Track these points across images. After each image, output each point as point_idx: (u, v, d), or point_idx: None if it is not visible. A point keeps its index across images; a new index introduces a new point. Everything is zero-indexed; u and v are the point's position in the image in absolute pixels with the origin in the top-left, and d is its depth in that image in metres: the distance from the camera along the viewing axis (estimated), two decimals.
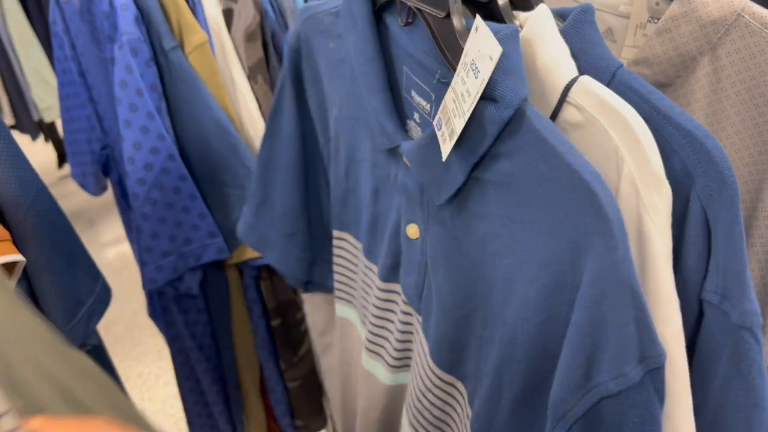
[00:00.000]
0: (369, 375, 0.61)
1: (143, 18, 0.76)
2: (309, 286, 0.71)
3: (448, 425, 0.55)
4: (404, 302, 0.55)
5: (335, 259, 0.65)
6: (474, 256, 0.46)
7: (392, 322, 0.58)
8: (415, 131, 0.50)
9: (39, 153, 2.71)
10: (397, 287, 0.56)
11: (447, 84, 0.44)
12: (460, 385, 0.51)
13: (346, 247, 0.63)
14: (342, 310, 0.67)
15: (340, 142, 0.57)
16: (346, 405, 0.74)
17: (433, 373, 0.52)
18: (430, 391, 0.53)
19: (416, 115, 0.49)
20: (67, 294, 0.71)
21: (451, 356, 0.50)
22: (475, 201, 0.45)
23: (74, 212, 2.73)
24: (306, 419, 1.03)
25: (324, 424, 1.08)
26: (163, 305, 0.89)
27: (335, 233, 0.64)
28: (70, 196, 2.51)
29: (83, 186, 1.08)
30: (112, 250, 2.46)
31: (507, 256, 0.43)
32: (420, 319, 0.53)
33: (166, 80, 0.77)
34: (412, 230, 0.51)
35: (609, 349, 0.38)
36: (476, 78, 0.38)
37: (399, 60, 0.50)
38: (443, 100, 0.43)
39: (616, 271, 0.37)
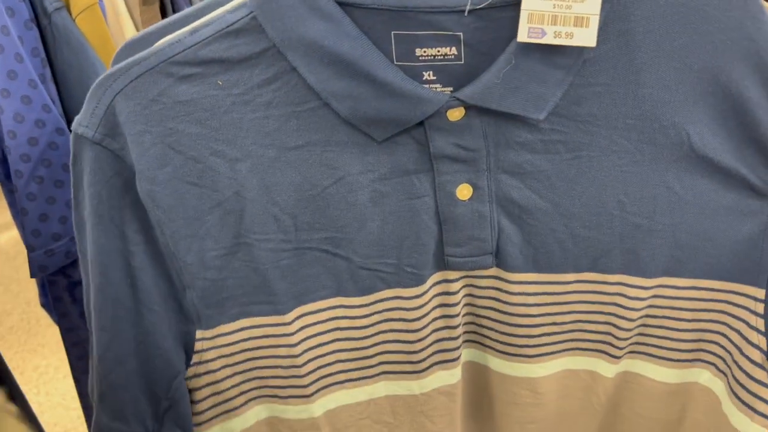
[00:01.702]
0: (475, 366, 0.57)
1: None
2: None
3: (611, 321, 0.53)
4: (455, 281, 0.51)
5: (320, 348, 0.53)
6: (597, 143, 0.46)
7: (447, 316, 0.52)
8: (436, 87, 0.45)
9: None
10: (441, 276, 0.50)
11: (487, 8, 0.42)
12: (590, 275, 0.50)
13: (330, 316, 0.52)
14: (325, 402, 0.56)
15: (271, 195, 0.47)
16: None
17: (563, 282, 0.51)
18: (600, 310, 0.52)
19: (427, 74, 0.44)
20: None
21: (579, 252, 0.49)
22: (581, 97, 0.45)
23: None
24: None
25: None
26: (55, 294, 0.82)
27: (292, 314, 0.51)
28: None
29: None
30: (4, 235, 2.31)
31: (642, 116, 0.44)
32: (500, 272, 0.50)
33: (49, 45, 0.69)
34: (465, 191, 0.47)
35: None
36: None
37: (378, 30, 0.43)
38: (526, 10, 0.41)
39: None
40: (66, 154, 0.73)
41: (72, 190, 0.47)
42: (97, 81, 0.44)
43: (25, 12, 0.67)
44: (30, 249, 0.74)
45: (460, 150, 0.46)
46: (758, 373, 0.50)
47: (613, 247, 0.49)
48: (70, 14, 0.69)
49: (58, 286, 0.82)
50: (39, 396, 1.72)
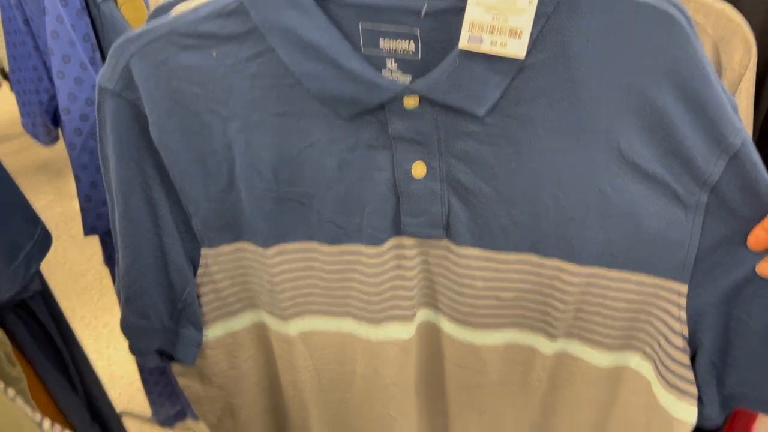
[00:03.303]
0: (430, 326, 0.62)
1: None
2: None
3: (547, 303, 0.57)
4: (411, 247, 0.56)
5: (277, 277, 0.61)
6: (532, 137, 0.49)
7: (403, 277, 0.58)
8: (397, 76, 0.50)
9: (4, 102, 2.68)
10: (398, 241, 0.56)
11: (440, 12, 0.46)
12: (529, 255, 0.55)
13: (287, 259, 0.60)
14: (300, 325, 0.64)
15: (256, 151, 0.54)
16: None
17: (504, 261, 0.55)
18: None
19: (390, 63, 0.50)
20: (4, 238, 0.72)
21: (519, 233, 0.53)
22: (520, 99, 0.48)
23: (42, 163, 2.73)
24: None
25: None
26: (108, 253, 0.91)
27: (273, 250, 0.59)
28: (36, 146, 2.51)
29: (34, 136, 1.09)
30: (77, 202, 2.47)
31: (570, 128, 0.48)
32: (448, 243, 0.55)
33: (99, 31, 0.77)
34: (419, 169, 0.52)
35: (723, 117, 0.45)
36: None
37: (348, 22, 0.49)
38: (468, 20, 0.45)
39: (695, 59, 0.44)
40: None
41: (98, 132, 0.56)
42: (116, 43, 0.53)
43: (77, 2, 0.75)
44: (83, 212, 0.83)
45: (414, 133, 0.50)
46: (681, 358, 0.53)
47: (549, 235, 0.52)
48: (116, 3, 0.77)
49: (110, 246, 0.91)
50: (109, 350, 1.84)
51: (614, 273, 0.53)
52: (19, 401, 0.33)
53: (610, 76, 0.46)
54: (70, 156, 0.80)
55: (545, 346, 0.59)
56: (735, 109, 0.46)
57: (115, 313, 2.15)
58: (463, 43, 0.46)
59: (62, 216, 2.39)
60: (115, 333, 1.87)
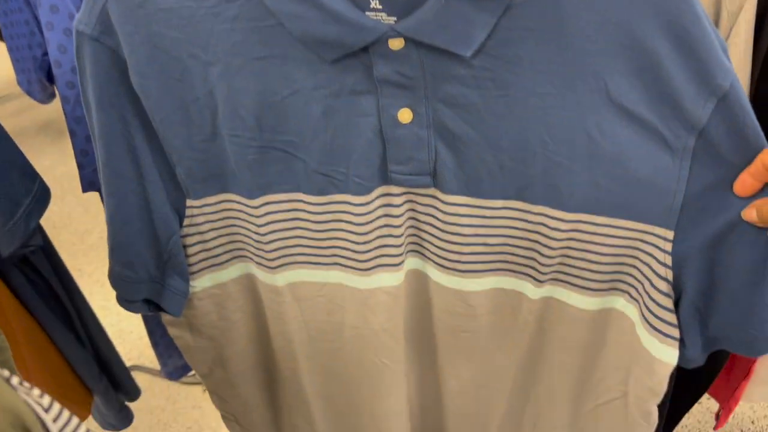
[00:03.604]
0: (418, 274, 0.62)
1: None
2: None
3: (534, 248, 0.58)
4: (398, 195, 0.56)
5: (262, 228, 0.61)
6: (522, 79, 0.48)
7: (390, 226, 0.58)
8: (381, 16, 0.49)
9: (5, 60, 2.66)
10: (385, 189, 0.56)
11: None
12: (516, 203, 0.55)
13: (273, 210, 0.60)
14: (287, 276, 0.64)
15: (238, 97, 0.53)
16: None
17: (491, 208, 0.55)
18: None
19: (374, 2, 0.48)
20: (2, 194, 0.73)
21: (506, 180, 0.53)
22: (508, 40, 0.47)
23: (43, 123, 2.72)
24: None
25: None
26: None
27: (259, 201, 0.59)
28: (37, 107, 2.50)
29: (30, 94, 1.08)
30: None
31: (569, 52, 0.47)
32: (436, 192, 0.55)
33: None
34: (406, 114, 0.51)
35: (713, 58, 0.44)
36: None
37: None
38: None
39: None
40: None
41: (78, 77, 0.55)
42: None
43: None
44: (80, 167, 0.83)
45: (400, 77, 0.49)
46: (665, 302, 0.54)
47: (536, 181, 0.52)
48: None
49: None
50: (117, 306, 1.87)
51: (601, 219, 0.53)
52: (15, 380, 0.33)
53: (598, 15, 0.45)
54: (64, 110, 0.79)
55: (532, 291, 0.60)
56: (725, 51, 0.45)
57: None
58: None
59: (66, 176, 2.39)
60: None
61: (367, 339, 0.66)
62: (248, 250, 0.64)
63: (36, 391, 0.34)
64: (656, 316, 0.55)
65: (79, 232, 2.14)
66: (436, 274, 0.61)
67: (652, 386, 0.59)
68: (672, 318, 0.54)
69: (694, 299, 0.53)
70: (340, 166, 0.55)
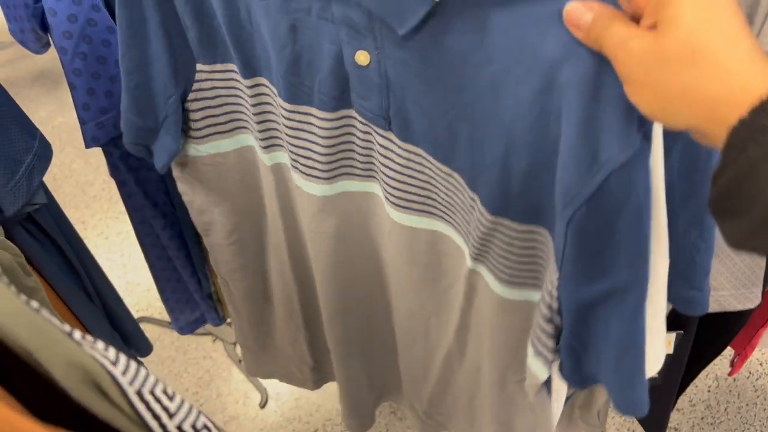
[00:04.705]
0: (364, 195, 0.66)
1: None
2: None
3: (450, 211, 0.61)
4: (362, 123, 0.58)
5: (253, 108, 0.65)
6: (451, 70, 0.48)
7: (353, 143, 0.61)
8: None
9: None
10: (349, 112, 0.58)
11: None
12: (457, 175, 0.56)
13: (263, 92, 0.64)
14: (273, 157, 0.69)
15: None
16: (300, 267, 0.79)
17: (438, 168, 0.57)
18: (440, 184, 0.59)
19: None
20: (3, 154, 0.70)
21: (445, 153, 0.55)
22: (445, 19, 0.46)
23: (38, 73, 2.66)
24: None
25: None
26: (111, 163, 0.89)
27: (249, 81, 0.63)
28: (32, 55, 2.43)
29: (23, 43, 1.03)
30: None
31: (491, 63, 0.46)
32: (391, 135, 0.57)
33: None
34: (362, 57, 0.52)
35: (615, 126, 0.41)
36: None
37: None
38: None
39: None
40: (104, 31, 0.76)
41: None
42: None
43: None
44: (82, 122, 0.80)
45: (349, 20, 0.50)
46: (546, 326, 0.56)
47: (467, 173, 0.55)
48: None
49: (113, 156, 0.88)
50: (123, 258, 1.87)
51: (517, 225, 0.54)
52: (45, 313, 0.32)
53: (516, 45, 0.44)
54: (62, 62, 0.76)
55: (468, 257, 0.62)
56: (640, 121, 0.42)
57: (126, 222, 2.17)
58: None
59: (65, 126, 2.35)
60: (129, 241, 1.89)
61: (312, 231, 0.71)
62: (249, 122, 0.68)
63: (100, 345, 0.33)
64: (537, 331, 0.56)
65: (80, 184, 2.12)
66: (385, 203, 0.64)
67: (529, 384, 0.62)
68: (548, 342, 0.56)
69: (572, 341, 0.54)
70: (306, 79, 0.57)
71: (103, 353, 0.33)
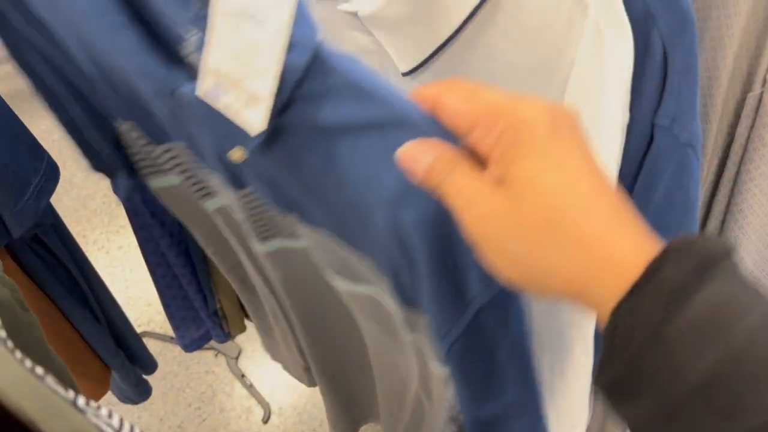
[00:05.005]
0: (302, 250, 0.64)
1: None
2: None
3: None
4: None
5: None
6: (312, 183, 0.44)
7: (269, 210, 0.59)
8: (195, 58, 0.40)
9: None
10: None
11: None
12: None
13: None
14: (214, 203, 0.66)
15: None
16: None
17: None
18: None
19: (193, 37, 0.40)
20: (11, 175, 0.71)
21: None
22: (293, 140, 0.41)
23: None
24: None
25: None
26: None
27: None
28: None
29: None
30: None
31: (343, 189, 0.42)
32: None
33: None
34: (237, 154, 0.45)
35: (472, 265, 0.38)
36: (262, 27, 0.34)
37: None
38: (205, 62, 0.37)
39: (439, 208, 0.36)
40: None
41: None
42: None
43: None
44: None
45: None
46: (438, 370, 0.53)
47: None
48: None
49: None
50: (124, 272, 1.86)
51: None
52: (49, 380, 0.32)
53: (366, 190, 0.40)
54: None
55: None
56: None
57: (128, 236, 2.16)
58: (203, 89, 0.38)
59: (65, 140, 2.35)
60: (129, 255, 1.89)
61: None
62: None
63: (104, 411, 0.33)
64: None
65: (81, 197, 2.12)
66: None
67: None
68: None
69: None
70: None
71: (106, 421, 0.33)
